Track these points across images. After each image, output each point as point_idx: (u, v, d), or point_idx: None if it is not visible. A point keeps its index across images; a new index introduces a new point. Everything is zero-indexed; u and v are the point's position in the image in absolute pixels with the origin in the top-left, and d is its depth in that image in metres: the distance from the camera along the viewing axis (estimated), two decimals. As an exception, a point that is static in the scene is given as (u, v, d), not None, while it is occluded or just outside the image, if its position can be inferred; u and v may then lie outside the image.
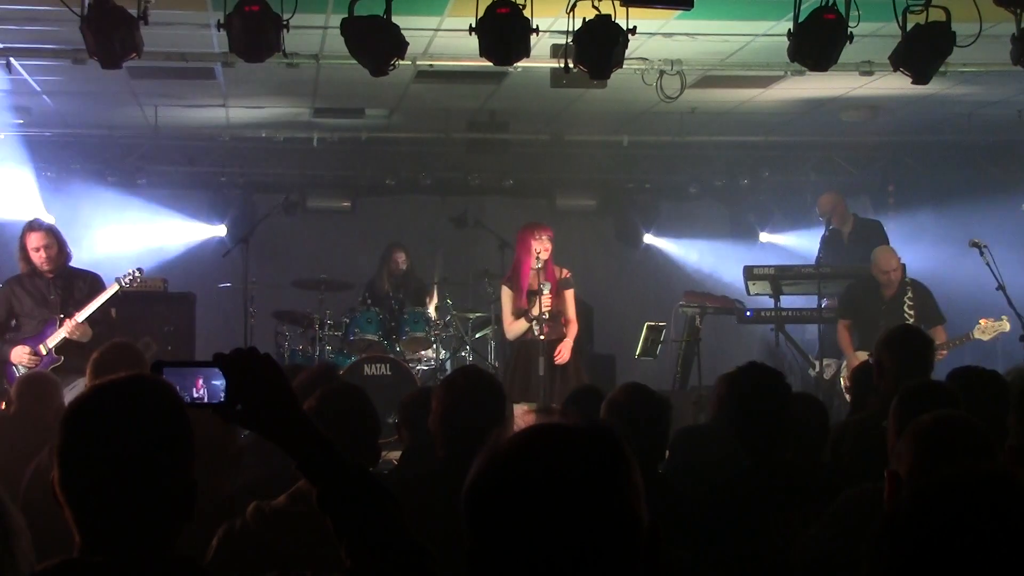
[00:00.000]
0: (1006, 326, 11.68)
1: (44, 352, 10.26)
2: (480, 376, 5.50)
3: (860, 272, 12.61)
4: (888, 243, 13.56)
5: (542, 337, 11.06)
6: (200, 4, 9.45)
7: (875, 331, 11.79)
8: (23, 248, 10.43)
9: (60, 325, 10.30)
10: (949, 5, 8.53)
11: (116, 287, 10.53)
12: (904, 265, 12.17)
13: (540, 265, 11.13)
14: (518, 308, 11.18)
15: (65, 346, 10.19)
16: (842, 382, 12.04)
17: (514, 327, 11.23)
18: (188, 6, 9.50)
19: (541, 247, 11.04)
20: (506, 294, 11.37)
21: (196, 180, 16.16)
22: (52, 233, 10.49)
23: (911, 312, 11.82)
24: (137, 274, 10.65)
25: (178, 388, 2.78)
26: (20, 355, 10.25)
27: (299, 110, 14.08)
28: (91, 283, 10.66)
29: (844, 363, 12.15)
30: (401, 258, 14.14)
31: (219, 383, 2.76)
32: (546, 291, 10.97)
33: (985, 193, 15.16)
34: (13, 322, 10.48)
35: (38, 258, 10.35)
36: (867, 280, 12.34)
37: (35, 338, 10.35)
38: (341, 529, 2.74)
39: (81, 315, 10.27)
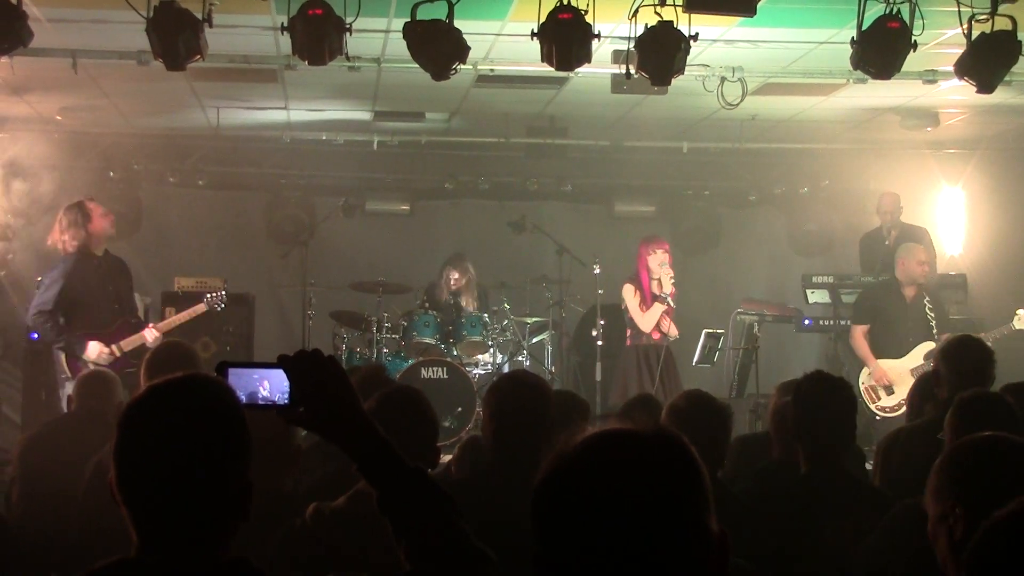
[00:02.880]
0: None
1: (119, 353, 10.22)
2: (524, 380, 5.50)
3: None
4: (934, 249, 13.54)
5: (625, 341, 11.55)
6: (264, 7, 9.51)
7: (902, 335, 11.73)
8: (86, 217, 10.34)
9: (135, 330, 10.35)
10: (1015, 14, 8.45)
11: (204, 307, 10.64)
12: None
13: (659, 276, 11.71)
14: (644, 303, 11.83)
15: (139, 352, 10.02)
16: (862, 390, 11.88)
17: (648, 316, 11.73)
18: (252, 9, 9.55)
19: (658, 260, 11.41)
20: (630, 291, 11.91)
21: (256, 182, 16.22)
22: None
23: (932, 315, 11.72)
24: (223, 297, 10.82)
25: (242, 388, 2.79)
26: (98, 353, 10.14)
27: (359, 113, 14.12)
28: (127, 274, 10.76)
29: (866, 371, 11.99)
30: (455, 276, 13.97)
31: (283, 384, 2.77)
32: (670, 302, 11.34)
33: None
34: (78, 309, 10.41)
35: (108, 222, 10.38)
36: (887, 284, 12.24)
37: (109, 336, 10.29)
38: (400, 531, 2.75)
39: (163, 326, 10.43)
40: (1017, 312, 11.70)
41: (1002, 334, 11.61)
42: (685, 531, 1.96)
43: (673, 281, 11.69)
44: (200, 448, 2.71)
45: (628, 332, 11.92)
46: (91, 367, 9.74)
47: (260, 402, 2.80)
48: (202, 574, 2.71)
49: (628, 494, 1.94)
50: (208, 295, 11.03)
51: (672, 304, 11.69)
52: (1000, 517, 1.97)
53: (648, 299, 11.70)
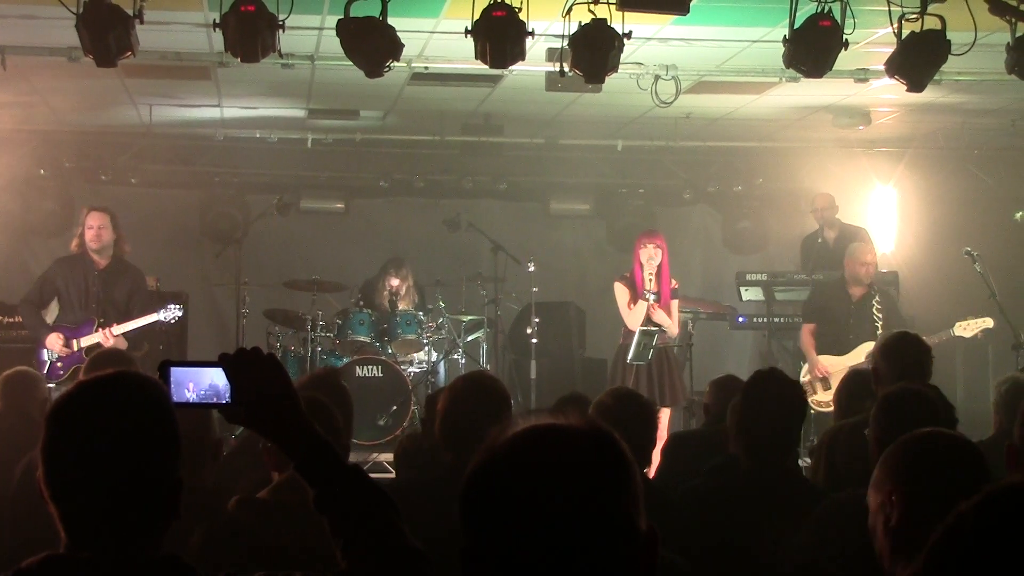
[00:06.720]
0: (989, 322, 11.70)
1: (75, 348, 10.50)
2: (483, 380, 5.49)
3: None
4: (874, 247, 13.64)
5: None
6: (196, 4, 9.44)
7: (844, 334, 11.83)
8: (81, 225, 10.83)
9: (97, 329, 10.55)
10: (945, 13, 8.52)
11: (156, 317, 10.74)
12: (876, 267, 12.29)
13: (650, 273, 11.39)
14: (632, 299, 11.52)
15: (94, 349, 10.30)
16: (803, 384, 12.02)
17: (634, 314, 11.41)
18: (184, 6, 9.49)
19: (647, 255, 11.21)
20: (619, 289, 11.59)
21: (190, 180, 16.11)
22: (112, 218, 10.84)
23: (879, 316, 11.82)
24: (178, 314, 10.93)
25: (184, 387, 2.79)
26: (54, 342, 10.52)
27: (294, 111, 14.06)
28: (131, 285, 10.96)
29: (806, 367, 12.11)
30: (395, 283, 13.92)
31: (211, 382, 2.77)
32: (651, 299, 11.21)
33: (978, 202, 15.20)
34: (54, 303, 10.89)
35: (90, 235, 10.70)
36: (835, 283, 12.37)
37: (72, 331, 10.60)
38: (337, 530, 2.74)
39: (118, 329, 10.56)
40: (957, 323, 11.79)
41: (940, 340, 11.73)
42: (614, 527, 1.95)
43: (651, 277, 11.34)
44: (128, 444, 2.71)
45: (622, 329, 11.78)
46: (52, 355, 10.54)
47: (202, 400, 2.79)
48: (132, 571, 2.70)
49: (556, 491, 1.92)
50: (169, 306, 10.99)
51: (652, 301, 11.36)
52: (961, 514, 1.97)
53: (639, 296, 11.48)
